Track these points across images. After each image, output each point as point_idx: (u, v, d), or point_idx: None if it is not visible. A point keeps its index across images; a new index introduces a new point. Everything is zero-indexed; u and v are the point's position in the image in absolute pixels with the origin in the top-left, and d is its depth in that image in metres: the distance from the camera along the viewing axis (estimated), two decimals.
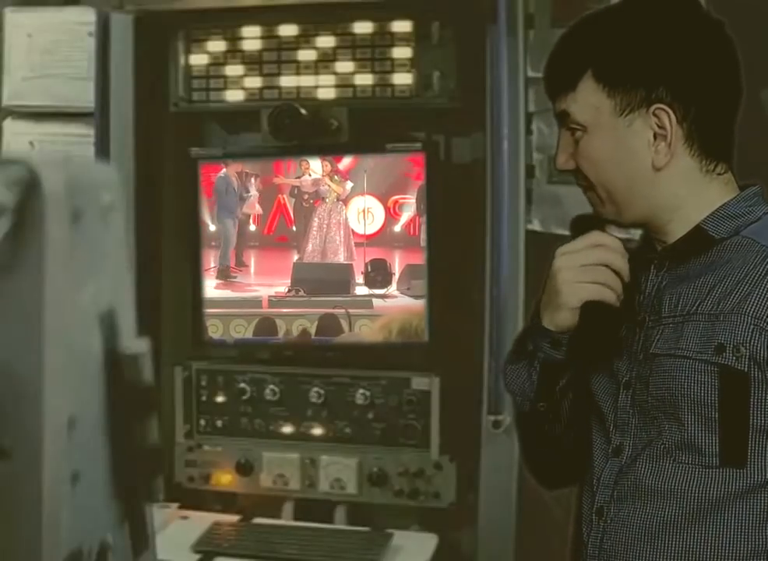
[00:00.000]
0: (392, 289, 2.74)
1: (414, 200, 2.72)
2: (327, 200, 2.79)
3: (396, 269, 2.74)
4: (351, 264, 2.78)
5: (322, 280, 2.80)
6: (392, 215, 2.75)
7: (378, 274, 2.73)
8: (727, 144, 1.51)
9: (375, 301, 2.75)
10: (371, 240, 2.77)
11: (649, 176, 1.46)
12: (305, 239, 2.80)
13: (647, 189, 1.47)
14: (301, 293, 2.80)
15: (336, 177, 2.77)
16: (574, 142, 1.49)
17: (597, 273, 1.44)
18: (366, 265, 2.76)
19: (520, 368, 1.55)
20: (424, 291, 2.70)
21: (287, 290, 2.82)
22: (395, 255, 2.76)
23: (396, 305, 2.74)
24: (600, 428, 1.54)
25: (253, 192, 2.83)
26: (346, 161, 2.77)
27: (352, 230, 2.78)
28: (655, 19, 1.46)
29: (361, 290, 2.76)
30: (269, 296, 2.83)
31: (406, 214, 2.74)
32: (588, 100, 1.45)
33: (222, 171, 2.81)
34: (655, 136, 1.44)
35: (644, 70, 1.44)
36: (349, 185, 2.77)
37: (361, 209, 2.77)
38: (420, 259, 2.72)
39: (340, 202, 2.78)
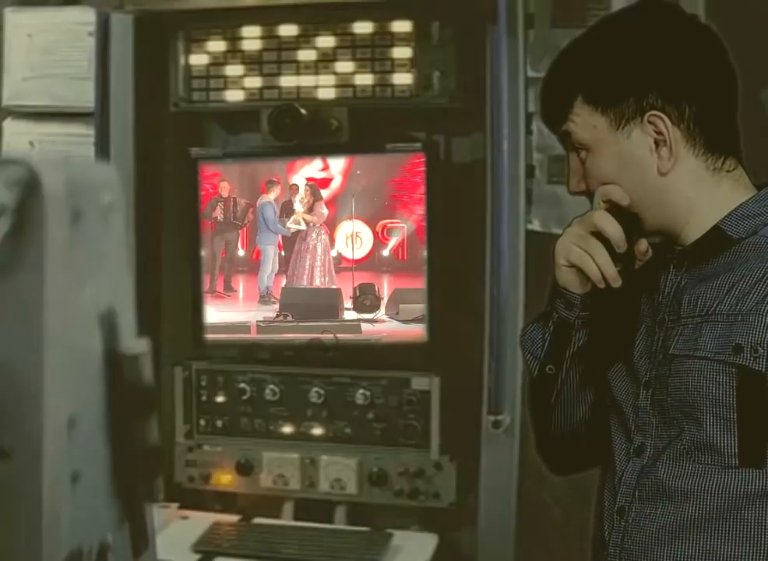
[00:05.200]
0: (381, 314, 2.73)
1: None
2: (311, 225, 2.78)
3: (385, 293, 2.74)
4: (339, 289, 2.77)
5: (311, 305, 2.79)
6: (380, 239, 2.74)
7: (367, 299, 2.72)
8: (731, 137, 1.51)
9: (364, 326, 2.74)
10: (359, 264, 2.76)
11: (658, 183, 1.47)
12: (291, 264, 2.79)
13: (658, 196, 1.48)
14: (290, 318, 2.79)
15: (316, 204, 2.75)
16: (581, 163, 1.52)
17: (587, 241, 1.48)
18: (354, 289, 2.75)
19: (537, 327, 1.62)
20: (425, 292, 2.70)
21: (275, 315, 2.81)
22: (383, 279, 2.75)
23: (385, 329, 2.74)
24: (620, 427, 1.54)
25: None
26: (334, 185, 2.75)
27: (341, 254, 2.77)
28: (628, 30, 1.51)
29: (350, 314, 2.75)
30: (258, 321, 2.82)
31: (395, 238, 2.73)
32: (584, 121, 1.49)
33: (263, 197, 2.78)
34: (656, 143, 1.46)
35: (629, 81, 1.47)
36: (325, 210, 2.75)
37: (349, 234, 2.75)
38: (409, 283, 2.72)
39: (322, 227, 2.77)
